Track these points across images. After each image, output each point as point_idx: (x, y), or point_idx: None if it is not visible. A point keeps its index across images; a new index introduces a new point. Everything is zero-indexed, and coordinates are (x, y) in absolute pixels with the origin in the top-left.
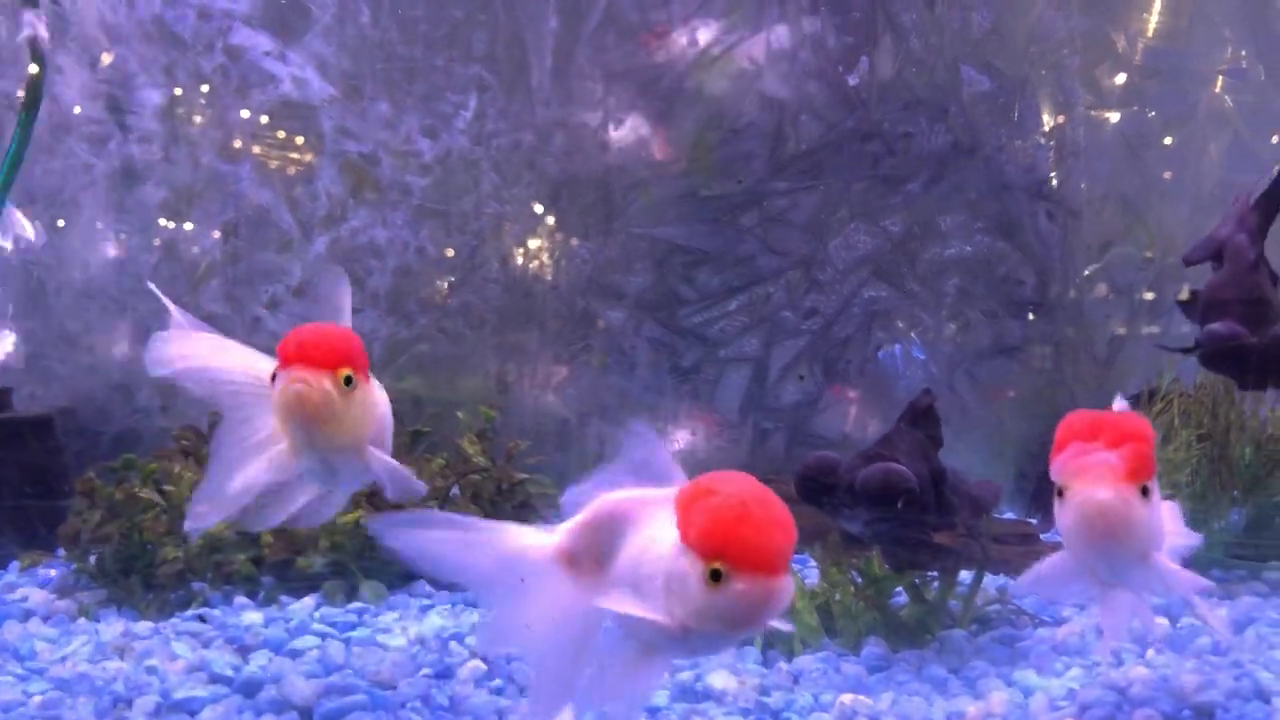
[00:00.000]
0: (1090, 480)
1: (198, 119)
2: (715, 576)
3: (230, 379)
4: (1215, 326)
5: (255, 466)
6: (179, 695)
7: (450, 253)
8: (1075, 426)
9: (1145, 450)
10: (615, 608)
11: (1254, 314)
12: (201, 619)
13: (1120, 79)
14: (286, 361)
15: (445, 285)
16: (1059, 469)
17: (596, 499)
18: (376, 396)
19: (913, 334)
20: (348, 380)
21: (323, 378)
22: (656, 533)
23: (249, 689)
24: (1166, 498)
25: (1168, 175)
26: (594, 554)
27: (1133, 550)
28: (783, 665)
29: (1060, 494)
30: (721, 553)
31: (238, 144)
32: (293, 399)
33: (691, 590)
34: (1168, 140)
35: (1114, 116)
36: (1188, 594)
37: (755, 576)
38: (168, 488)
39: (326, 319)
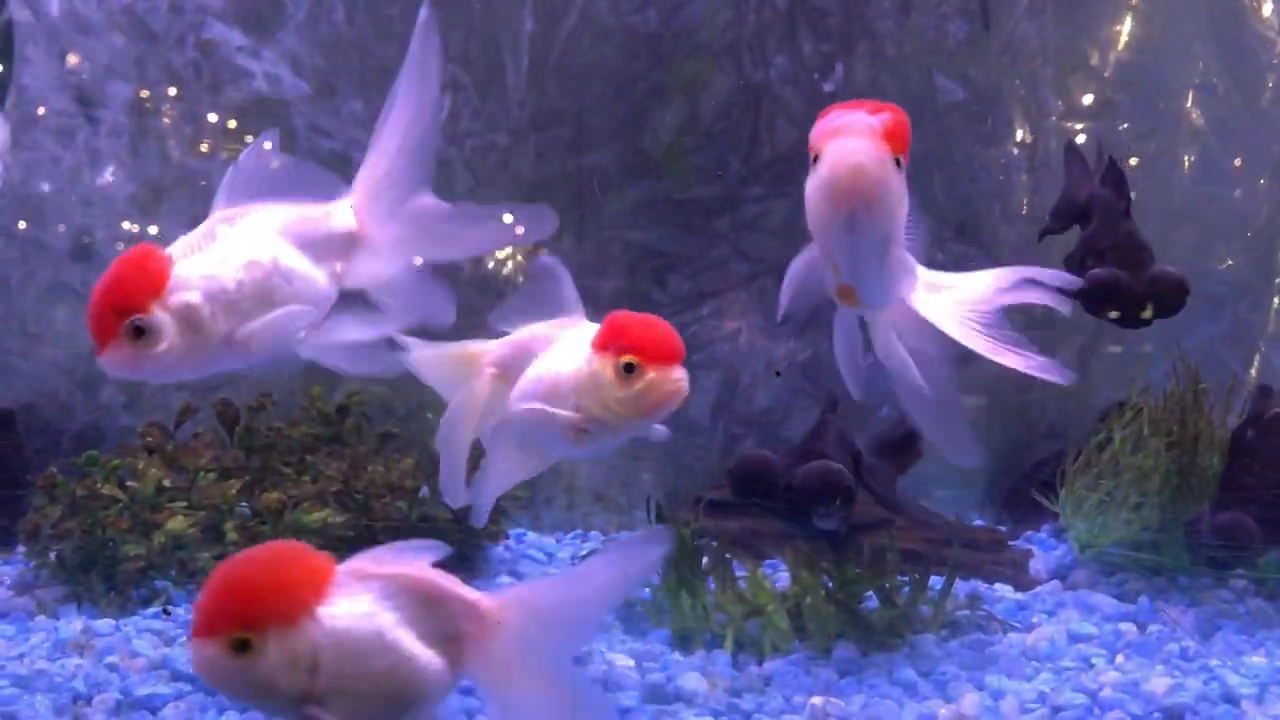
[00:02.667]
0: (847, 136)
1: (168, 113)
2: (628, 369)
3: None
4: (1097, 272)
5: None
6: (141, 692)
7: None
8: (836, 106)
9: (903, 120)
10: (527, 407)
11: (1131, 258)
12: (166, 611)
13: (1092, 91)
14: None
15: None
16: (816, 134)
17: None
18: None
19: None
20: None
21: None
22: (567, 349)
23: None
24: (1137, 505)
25: (1135, 194)
26: (519, 367)
27: (879, 224)
28: (753, 668)
29: (814, 160)
30: (634, 349)
31: (208, 140)
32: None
33: (605, 384)
34: (1135, 158)
35: (1085, 128)
36: (907, 296)
37: (662, 367)
38: (131, 484)
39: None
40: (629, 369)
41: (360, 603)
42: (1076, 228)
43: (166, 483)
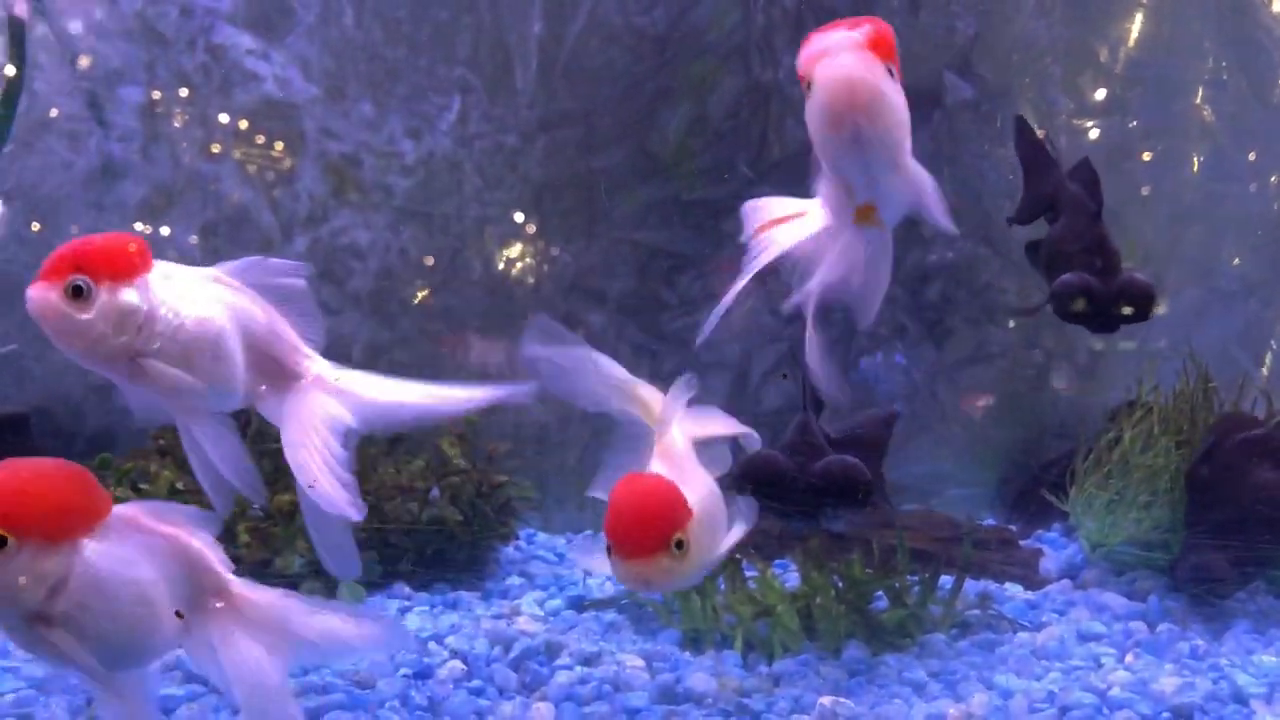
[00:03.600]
0: (835, 55)
1: (178, 117)
2: (609, 550)
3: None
4: (1068, 277)
5: None
6: None
7: (432, 256)
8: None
9: (886, 29)
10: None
11: (1101, 263)
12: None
13: (1102, 89)
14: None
15: (427, 287)
16: (803, 61)
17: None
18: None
19: (895, 340)
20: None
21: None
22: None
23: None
24: (1147, 504)
25: (1145, 191)
26: None
27: (885, 135)
28: (763, 668)
29: (807, 88)
30: (610, 533)
31: (219, 143)
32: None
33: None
34: (1147, 154)
35: (1095, 126)
36: (933, 200)
37: (629, 561)
38: (144, 486)
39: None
40: (609, 550)
41: (125, 547)
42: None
43: (179, 485)
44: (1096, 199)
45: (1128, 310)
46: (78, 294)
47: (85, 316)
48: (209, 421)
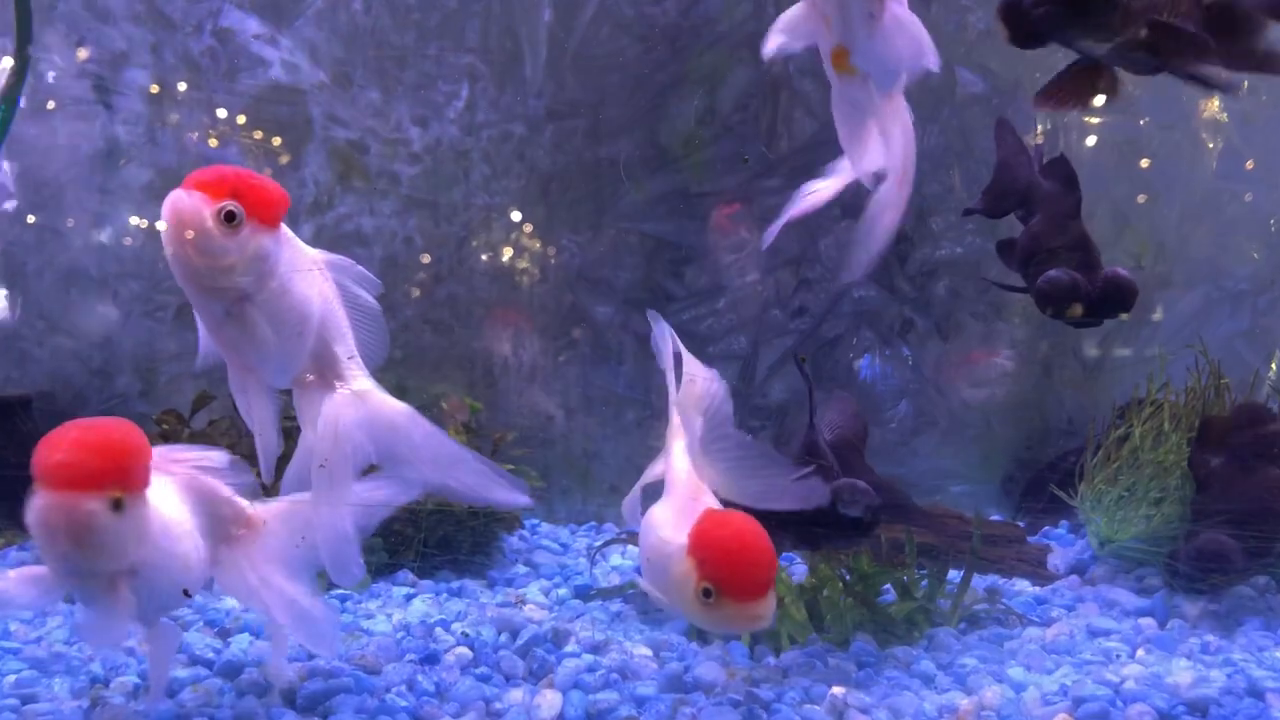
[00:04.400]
0: None
1: (185, 101)
2: (706, 594)
3: None
4: (1055, 274)
5: None
6: None
7: (437, 245)
8: None
9: None
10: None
11: (1082, 259)
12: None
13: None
14: None
15: (431, 276)
16: None
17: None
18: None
19: (900, 336)
20: None
21: None
22: (672, 514)
23: (230, 671)
24: (1157, 500)
25: (1155, 189)
26: None
27: None
28: (770, 659)
29: None
30: (714, 578)
31: (225, 128)
32: None
33: (688, 596)
34: (1157, 151)
35: (1105, 122)
36: (914, 49)
37: (741, 602)
38: None
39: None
40: (707, 594)
41: (169, 489)
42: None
43: None
44: (1075, 196)
45: (1111, 306)
46: (229, 219)
47: (227, 243)
48: (262, 389)
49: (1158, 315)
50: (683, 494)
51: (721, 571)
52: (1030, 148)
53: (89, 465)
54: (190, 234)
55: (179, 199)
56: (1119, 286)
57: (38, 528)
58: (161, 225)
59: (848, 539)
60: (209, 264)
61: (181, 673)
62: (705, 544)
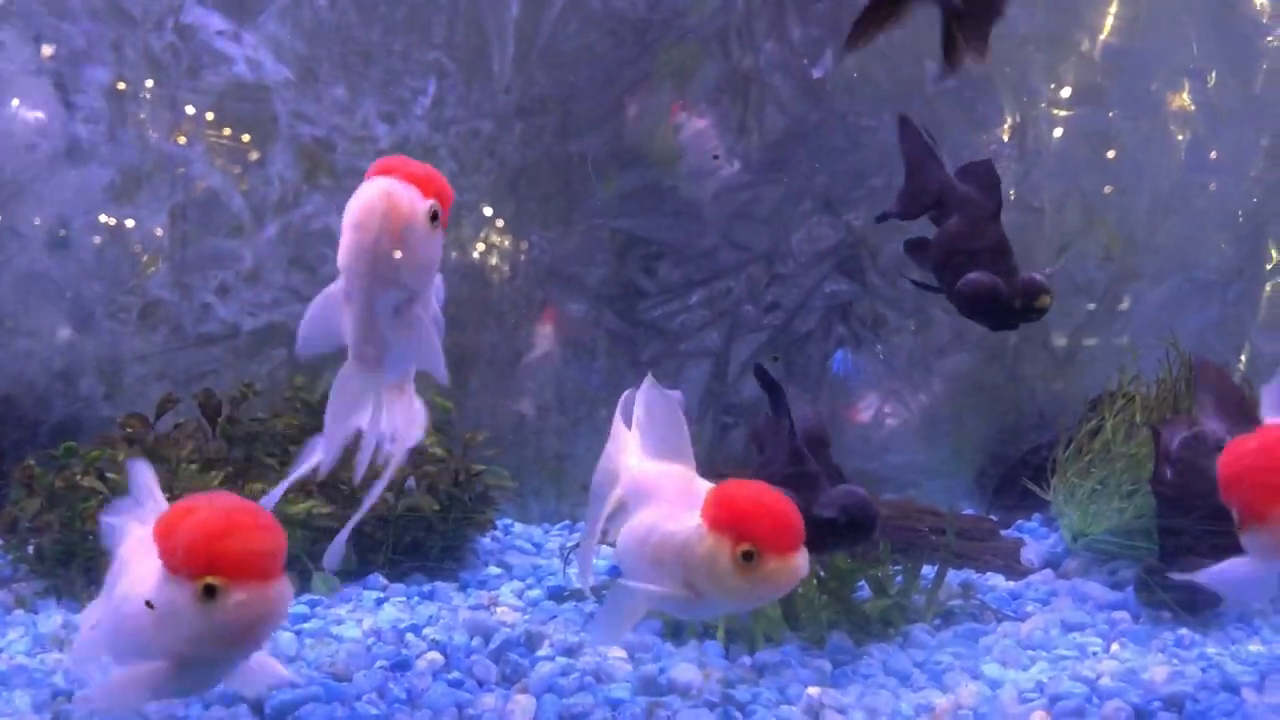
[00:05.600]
0: None
1: (146, 99)
2: (747, 557)
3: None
4: (976, 276)
5: None
6: None
7: None
8: None
9: None
10: (638, 586)
11: (1001, 263)
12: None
13: (1082, 76)
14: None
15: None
16: None
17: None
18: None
19: (873, 331)
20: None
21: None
22: (675, 511)
23: None
24: (1130, 493)
25: (1124, 181)
26: (633, 500)
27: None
28: (745, 658)
29: None
30: (756, 537)
31: (188, 125)
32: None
33: (721, 570)
34: (1126, 143)
35: (1075, 114)
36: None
37: (783, 556)
38: (110, 475)
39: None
40: (748, 557)
41: None
42: None
43: None
44: (995, 199)
45: (1028, 311)
46: (433, 219)
47: (431, 240)
48: (378, 388)
49: (1126, 305)
50: (670, 486)
51: (762, 528)
52: (936, 146)
53: (276, 549)
54: (403, 227)
55: (396, 190)
56: (1035, 290)
57: (236, 626)
58: (358, 208)
59: (849, 545)
60: (411, 259)
61: None
62: (734, 509)
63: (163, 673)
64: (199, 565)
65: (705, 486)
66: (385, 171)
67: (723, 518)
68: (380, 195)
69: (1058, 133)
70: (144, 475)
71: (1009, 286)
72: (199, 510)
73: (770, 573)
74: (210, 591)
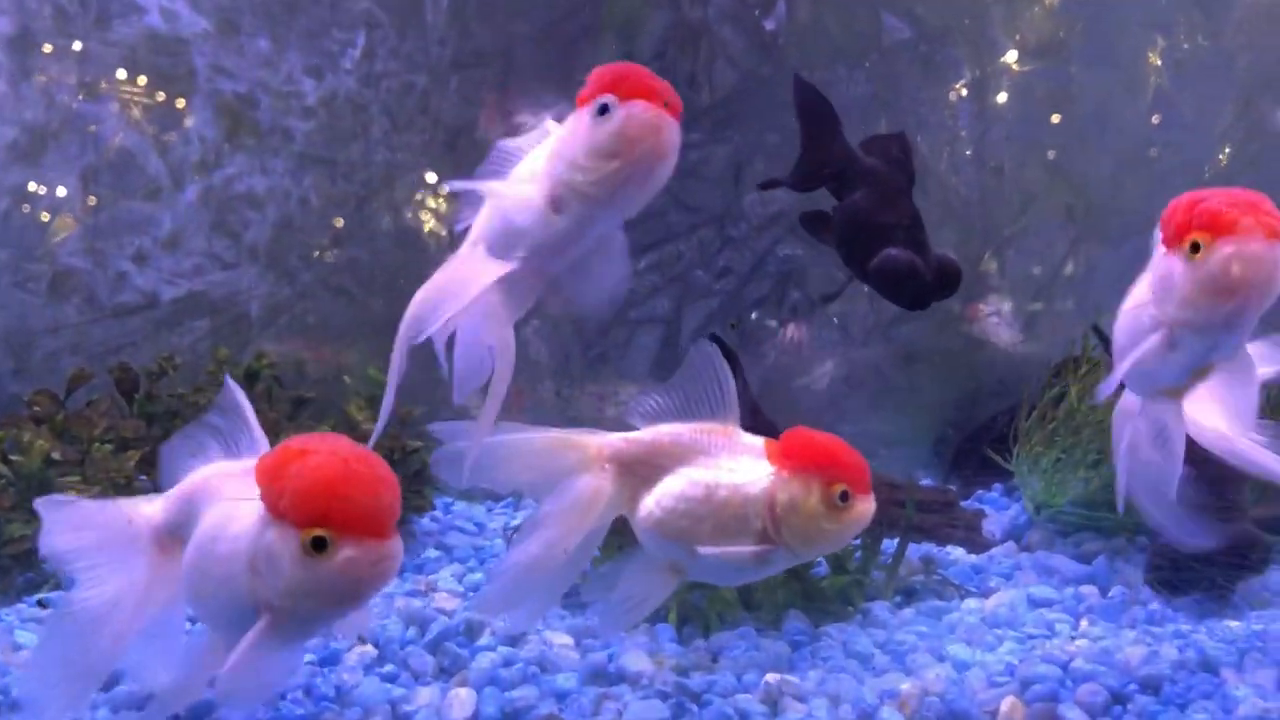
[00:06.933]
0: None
1: (51, 51)
2: (844, 498)
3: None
4: (894, 253)
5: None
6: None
7: (336, 205)
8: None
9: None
10: (707, 550)
11: (916, 239)
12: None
13: (1044, 30)
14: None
15: (330, 239)
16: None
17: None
18: None
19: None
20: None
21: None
22: (737, 463)
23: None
24: (1095, 462)
25: (1087, 138)
26: (648, 467)
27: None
28: (700, 642)
29: (1194, 250)
30: (848, 479)
31: (98, 81)
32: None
33: (812, 513)
34: (1089, 98)
35: (1036, 68)
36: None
37: (866, 496)
38: (15, 458)
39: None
40: (845, 498)
41: None
42: None
43: (56, 455)
44: (908, 172)
45: (941, 289)
46: None
47: None
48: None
49: (1089, 266)
50: (718, 442)
51: (851, 469)
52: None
53: (389, 508)
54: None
55: (671, 125)
56: (949, 269)
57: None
58: (638, 136)
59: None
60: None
61: None
62: (821, 452)
63: (264, 632)
64: (309, 515)
65: (753, 439)
66: (646, 93)
67: (811, 461)
68: (662, 127)
69: (1018, 88)
70: (238, 398)
71: (925, 264)
72: (313, 454)
73: (860, 513)
74: (319, 545)
